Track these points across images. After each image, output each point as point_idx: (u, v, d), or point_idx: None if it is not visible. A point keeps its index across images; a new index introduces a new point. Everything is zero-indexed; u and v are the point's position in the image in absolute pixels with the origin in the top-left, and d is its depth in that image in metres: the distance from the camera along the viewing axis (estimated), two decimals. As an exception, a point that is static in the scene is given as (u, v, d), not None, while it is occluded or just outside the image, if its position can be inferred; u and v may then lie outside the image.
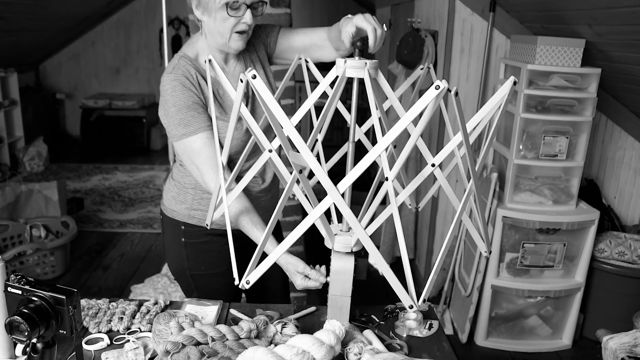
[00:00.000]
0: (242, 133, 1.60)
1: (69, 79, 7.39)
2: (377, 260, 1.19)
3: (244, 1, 1.46)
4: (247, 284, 1.24)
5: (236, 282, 1.26)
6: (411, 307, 1.18)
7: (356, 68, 1.22)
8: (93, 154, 6.75)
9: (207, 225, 1.46)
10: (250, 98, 1.68)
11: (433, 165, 1.24)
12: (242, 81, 1.12)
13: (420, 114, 1.12)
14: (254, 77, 1.08)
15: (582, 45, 2.58)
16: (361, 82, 1.27)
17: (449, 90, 1.03)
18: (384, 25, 1.42)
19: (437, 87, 1.01)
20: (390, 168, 1.28)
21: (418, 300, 1.18)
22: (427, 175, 1.30)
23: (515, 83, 1.17)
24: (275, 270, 1.57)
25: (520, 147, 2.73)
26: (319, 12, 7.05)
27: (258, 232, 1.53)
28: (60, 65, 7.33)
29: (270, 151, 1.23)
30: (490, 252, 1.35)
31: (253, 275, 1.24)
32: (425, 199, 1.50)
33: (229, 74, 1.64)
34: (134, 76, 7.43)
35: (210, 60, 1.36)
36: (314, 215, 1.16)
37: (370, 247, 1.18)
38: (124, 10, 7.17)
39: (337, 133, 5.92)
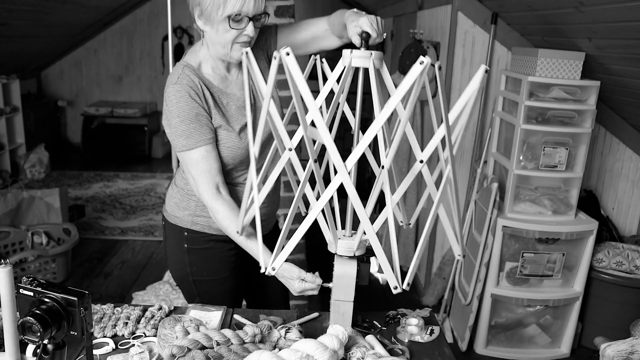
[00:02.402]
0: (246, 143, 1.61)
1: (71, 86, 7.42)
2: (371, 238, 1.22)
3: (246, 14, 1.47)
4: (273, 270, 1.30)
5: (262, 270, 1.31)
6: (395, 287, 1.24)
7: (362, 58, 1.26)
8: (94, 162, 6.78)
9: (237, 232, 1.47)
10: (253, 106, 1.68)
11: (422, 161, 1.27)
12: (275, 58, 1.13)
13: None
14: (288, 54, 1.10)
15: (582, 58, 2.61)
16: (366, 76, 1.30)
17: (432, 65, 1.08)
18: (385, 34, 1.45)
19: (422, 63, 1.06)
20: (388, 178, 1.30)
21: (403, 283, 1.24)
22: (417, 171, 1.32)
23: (486, 71, 1.21)
24: (274, 278, 1.59)
25: (521, 157, 2.76)
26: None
27: (252, 245, 1.55)
28: (62, 73, 7.37)
29: (290, 149, 1.25)
30: (464, 256, 1.38)
31: (278, 260, 1.29)
32: (415, 214, 1.53)
33: (232, 82, 1.65)
34: (136, 84, 7.47)
35: (247, 53, 1.37)
36: (326, 196, 1.19)
37: (368, 228, 1.21)
38: (127, 18, 7.22)
39: (338, 143, 5.94)
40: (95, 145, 6.99)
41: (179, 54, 6.99)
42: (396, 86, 3.58)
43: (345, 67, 1.27)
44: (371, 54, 1.26)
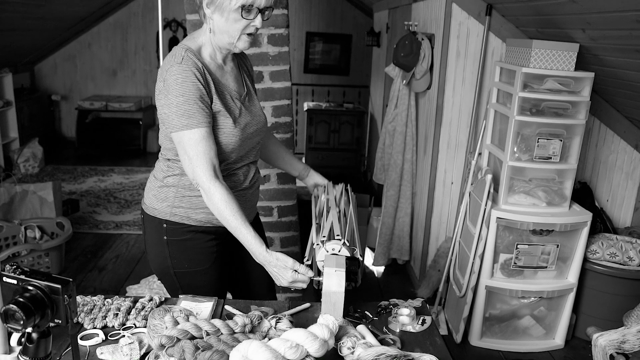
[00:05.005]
0: (239, 130, 1.63)
1: (65, 80, 7.38)
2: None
3: (257, 5, 1.52)
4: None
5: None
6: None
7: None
8: (89, 156, 6.74)
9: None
10: (245, 98, 1.70)
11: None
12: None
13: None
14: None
15: (576, 49, 2.60)
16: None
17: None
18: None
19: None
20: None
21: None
22: None
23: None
24: (260, 268, 1.59)
25: (515, 149, 2.75)
26: (317, 14, 7.04)
27: (245, 230, 1.56)
28: (56, 67, 7.32)
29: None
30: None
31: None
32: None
33: (227, 72, 1.69)
34: (131, 78, 7.43)
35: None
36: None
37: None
38: (121, 11, 7.17)
39: (333, 136, 5.93)
40: (90, 139, 6.95)
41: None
42: (390, 82, 3.58)
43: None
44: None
